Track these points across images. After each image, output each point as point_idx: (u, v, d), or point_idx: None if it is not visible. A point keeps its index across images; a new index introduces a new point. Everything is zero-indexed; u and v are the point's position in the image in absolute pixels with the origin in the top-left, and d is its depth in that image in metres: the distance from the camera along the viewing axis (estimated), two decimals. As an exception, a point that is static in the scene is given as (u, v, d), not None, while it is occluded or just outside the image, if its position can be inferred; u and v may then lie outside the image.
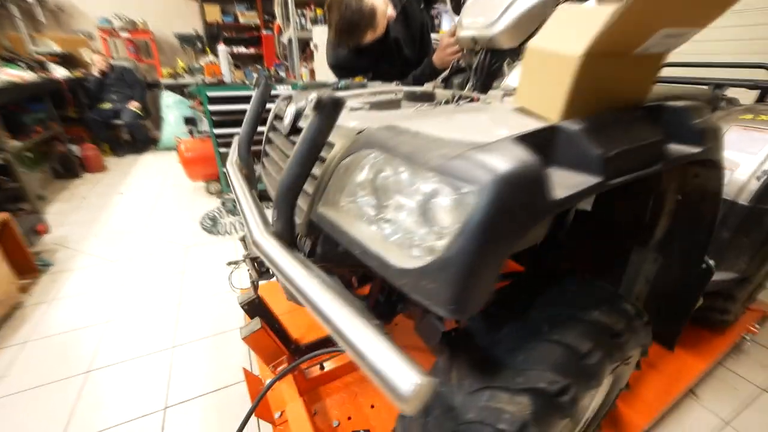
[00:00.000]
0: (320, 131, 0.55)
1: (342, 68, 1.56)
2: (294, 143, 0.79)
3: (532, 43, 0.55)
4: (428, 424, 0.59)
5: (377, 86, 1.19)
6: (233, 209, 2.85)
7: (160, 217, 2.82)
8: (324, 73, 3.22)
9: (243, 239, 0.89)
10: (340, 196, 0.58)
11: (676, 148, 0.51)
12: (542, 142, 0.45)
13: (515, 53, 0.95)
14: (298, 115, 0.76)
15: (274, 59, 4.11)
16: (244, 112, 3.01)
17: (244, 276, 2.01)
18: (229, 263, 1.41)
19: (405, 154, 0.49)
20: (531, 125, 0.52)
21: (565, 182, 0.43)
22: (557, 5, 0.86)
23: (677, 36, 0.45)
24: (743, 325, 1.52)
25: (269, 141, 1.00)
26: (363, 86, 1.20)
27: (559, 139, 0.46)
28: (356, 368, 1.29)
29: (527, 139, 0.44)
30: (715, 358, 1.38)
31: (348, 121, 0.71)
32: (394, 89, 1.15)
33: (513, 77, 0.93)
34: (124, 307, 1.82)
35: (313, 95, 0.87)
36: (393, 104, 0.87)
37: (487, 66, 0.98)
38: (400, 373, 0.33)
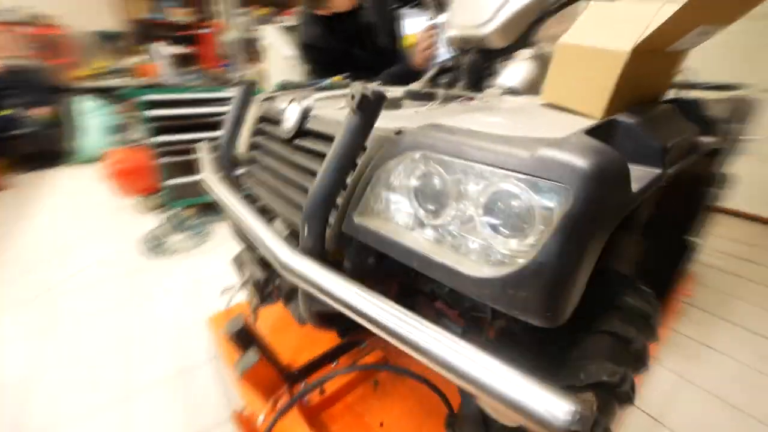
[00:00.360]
0: (361, 132, 0.49)
1: (313, 47, 1.51)
2: (300, 148, 0.71)
3: (564, 40, 0.55)
4: (489, 438, 0.56)
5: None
6: (181, 225, 2.55)
7: (88, 242, 2.42)
8: (277, 75, 3.05)
9: (237, 260, 0.78)
10: (383, 203, 0.53)
11: (703, 138, 0.55)
12: (605, 136, 0.44)
13: (504, 52, 0.97)
14: (304, 116, 0.69)
15: (214, 59, 3.80)
16: (187, 117, 2.71)
17: (204, 301, 1.81)
18: (224, 291, 1.24)
19: (465, 153, 0.45)
20: (578, 120, 0.52)
21: (633, 175, 0.43)
22: (546, 6, 0.90)
23: (706, 34, 0.49)
24: (682, 290, 1.75)
25: (256, 147, 0.89)
26: (346, 86, 1.14)
27: (618, 133, 0.46)
28: (356, 386, 1.21)
29: (595, 134, 0.43)
30: (669, 322, 1.57)
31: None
32: (382, 88, 1.12)
33: (506, 76, 0.95)
34: (54, 356, 1.50)
35: (312, 95, 0.80)
36: (395, 103, 0.83)
37: (478, 65, 0.99)
38: (551, 405, 0.29)
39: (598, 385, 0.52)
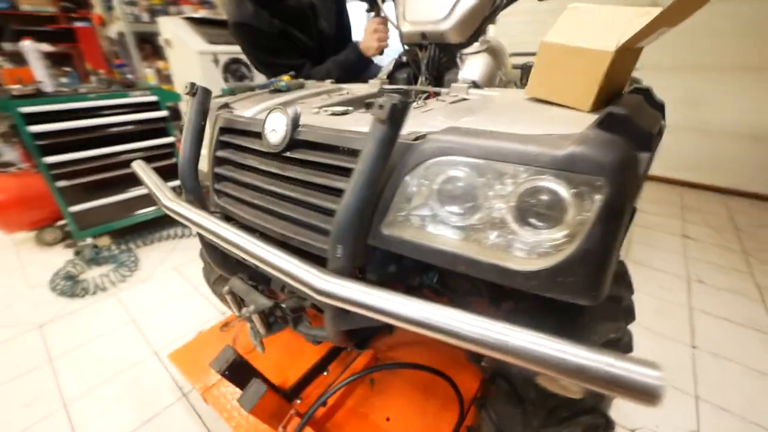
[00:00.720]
0: (391, 142, 0.47)
1: (246, 27, 1.36)
2: (294, 161, 0.65)
3: (548, 39, 0.60)
4: (527, 410, 0.61)
5: (317, 85, 1.09)
6: (96, 258, 2.17)
7: (-33, 297, 1.92)
8: (183, 74, 2.71)
9: (231, 293, 0.70)
10: (412, 211, 0.52)
11: (663, 122, 0.66)
12: (610, 129, 0.50)
13: (460, 47, 1.01)
14: (294, 126, 0.63)
15: (99, 58, 3.20)
16: (80, 130, 2.27)
17: (152, 339, 1.59)
18: (223, 327, 1.08)
19: (495, 154, 0.47)
20: (574, 114, 0.58)
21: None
22: (498, 2, 0.96)
23: (662, 33, 0.57)
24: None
25: (223, 162, 0.80)
26: (301, 86, 1.07)
27: (615, 123, 0.52)
28: (354, 389, 1.20)
29: (603, 127, 0.48)
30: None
31: (351, 124, 0.63)
32: (338, 87, 1.08)
33: (466, 70, 0.99)
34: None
35: (295, 102, 0.74)
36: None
37: (437, 60, 1.01)
38: (645, 374, 0.33)
39: (608, 343, 0.61)
